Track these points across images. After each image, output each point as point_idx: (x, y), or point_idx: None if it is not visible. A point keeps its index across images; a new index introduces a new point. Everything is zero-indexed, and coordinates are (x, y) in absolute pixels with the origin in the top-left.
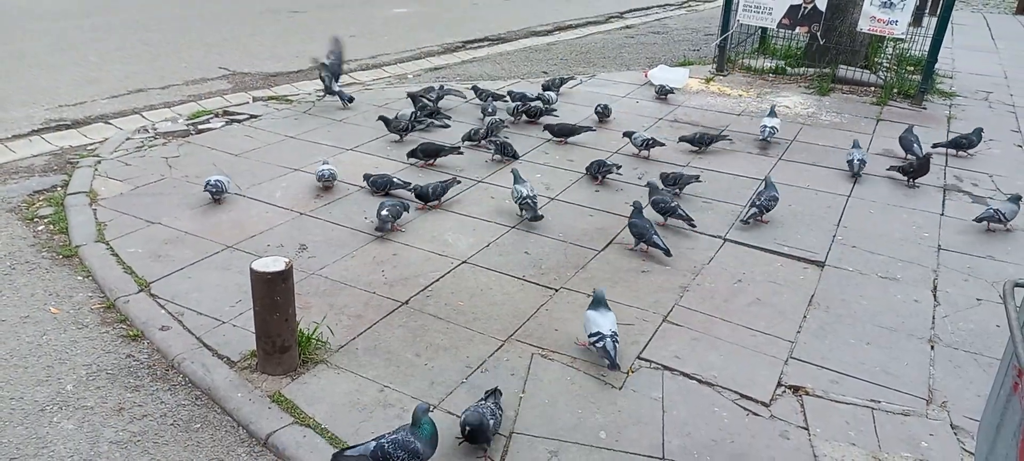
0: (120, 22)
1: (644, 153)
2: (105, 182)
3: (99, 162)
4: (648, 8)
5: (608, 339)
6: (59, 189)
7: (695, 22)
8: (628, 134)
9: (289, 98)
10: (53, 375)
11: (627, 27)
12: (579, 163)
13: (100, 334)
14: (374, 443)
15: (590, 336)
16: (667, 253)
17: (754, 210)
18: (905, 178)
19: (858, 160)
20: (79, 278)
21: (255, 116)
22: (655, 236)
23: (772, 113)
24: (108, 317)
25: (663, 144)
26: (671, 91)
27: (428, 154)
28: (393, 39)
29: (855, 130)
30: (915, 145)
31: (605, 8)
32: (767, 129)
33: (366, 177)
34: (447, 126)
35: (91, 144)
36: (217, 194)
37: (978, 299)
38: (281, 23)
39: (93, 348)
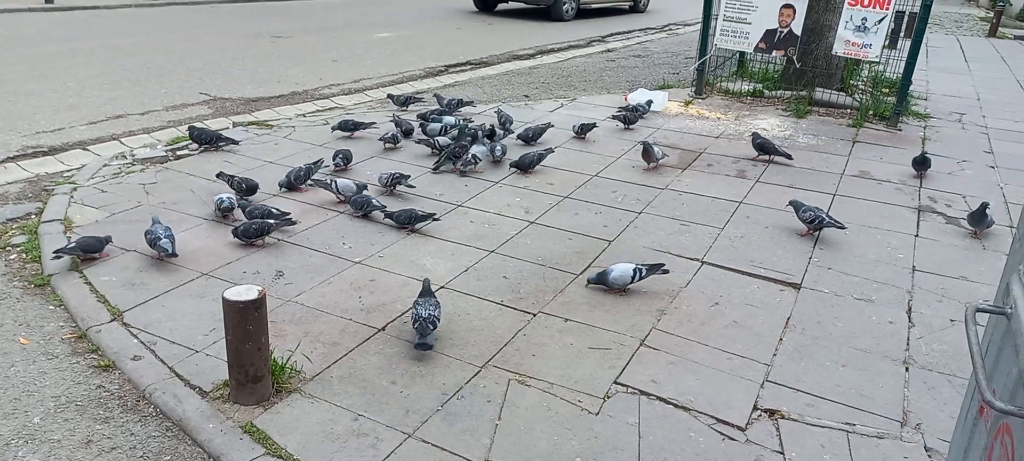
0: (101, 47)
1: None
2: (81, 209)
3: (75, 189)
4: (629, 32)
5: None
6: (33, 217)
7: (675, 46)
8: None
9: (270, 123)
10: (20, 408)
11: (608, 51)
12: (559, 187)
13: (70, 365)
14: None
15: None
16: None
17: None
18: (624, 125)
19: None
20: (51, 307)
21: (235, 141)
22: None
23: (649, 102)
24: (79, 347)
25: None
26: (635, 109)
27: (248, 235)
28: (376, 63)
29: (831, 152)
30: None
31: (587, 32)
32: (645, 105)
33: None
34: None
35: (68, 171)
36: (229, 211)
37: (951, 320)
38: (263, 48)
39: (62, 379)
